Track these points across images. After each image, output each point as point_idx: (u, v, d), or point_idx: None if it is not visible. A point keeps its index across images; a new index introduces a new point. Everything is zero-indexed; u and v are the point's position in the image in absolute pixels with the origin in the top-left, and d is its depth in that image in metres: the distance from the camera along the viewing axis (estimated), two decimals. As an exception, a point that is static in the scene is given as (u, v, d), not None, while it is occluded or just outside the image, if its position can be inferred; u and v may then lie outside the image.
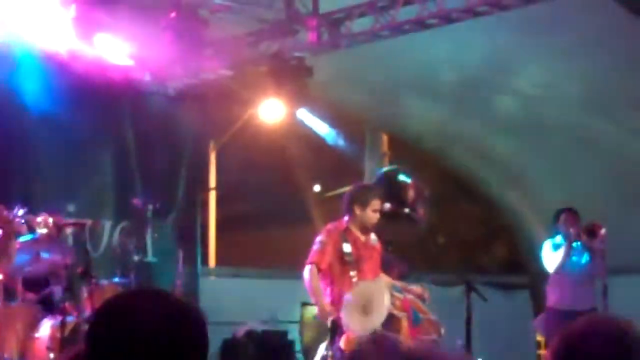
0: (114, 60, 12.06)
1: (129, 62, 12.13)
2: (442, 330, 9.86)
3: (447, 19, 11.07)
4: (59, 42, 11.53)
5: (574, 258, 11.44)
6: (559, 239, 11.46)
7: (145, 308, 2.81)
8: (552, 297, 11.68)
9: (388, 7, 11.42)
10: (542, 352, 12.13)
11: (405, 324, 9.62)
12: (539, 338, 12.32)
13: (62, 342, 10.38)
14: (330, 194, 12.27)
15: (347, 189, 10.87)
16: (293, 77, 12.16)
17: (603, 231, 11.22)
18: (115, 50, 11.77)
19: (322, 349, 10.08)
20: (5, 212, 9.44)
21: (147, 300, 2.89)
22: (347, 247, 9.81)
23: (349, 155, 14.00)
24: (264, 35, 12.29)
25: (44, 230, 10.62)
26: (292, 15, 11.83)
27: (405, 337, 9.62)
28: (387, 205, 10.19)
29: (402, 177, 11.27)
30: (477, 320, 10.11)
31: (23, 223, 10.20)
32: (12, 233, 9.62)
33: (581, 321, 3.34)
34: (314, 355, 10.30)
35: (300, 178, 14.09)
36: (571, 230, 11.32)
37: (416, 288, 10.16)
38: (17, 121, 11.72)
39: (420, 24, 11.25)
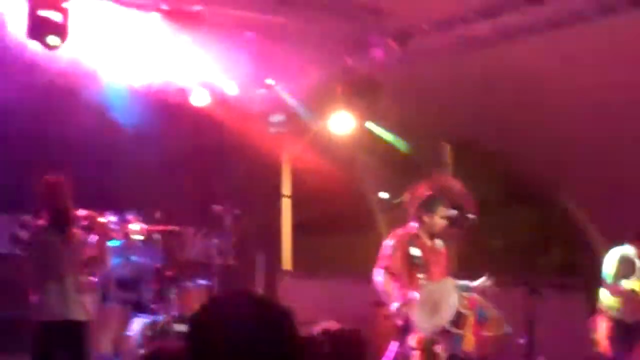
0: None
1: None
2: (506, 328, 10.08)
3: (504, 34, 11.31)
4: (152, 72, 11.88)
5: None
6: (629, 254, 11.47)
7: (243, 311, 2.85)
8: None
9: (452, 26, 11.67)
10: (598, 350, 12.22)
11: (471, 320, 9.80)
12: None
13: (151, 340, 10.73)
14: (396, 201, 12.37)
15: (412, 196, 11.19)
16: (363, 92, 12.29)
17: None
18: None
19: (394, 347, 10.31)
20: (99, 219, 9.72)
21: (244, 303, 2.93)
22: (415, 252, 9.96)
23: (415, 164, 14.07)
24: (336, 53, 12.33)
25: (135, 236, 10.95)
26: (362, 33, 11.97)
27: (469, 333, 9.86)
28: (453, 212, 10.35)
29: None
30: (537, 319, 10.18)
31: (116, 229, 10.52)
32: (106, 238, 9.89)
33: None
34: (384, 354, 10.61)
35: (368, 185, 14.24)
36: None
37: (482, 281, 10.36)
38: (112, 138, 12.04)
39: (483, 42, 11.50)
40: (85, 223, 9.64)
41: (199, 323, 2.91)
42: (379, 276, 9.87)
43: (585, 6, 10.57)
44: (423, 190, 10.81)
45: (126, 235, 10.75)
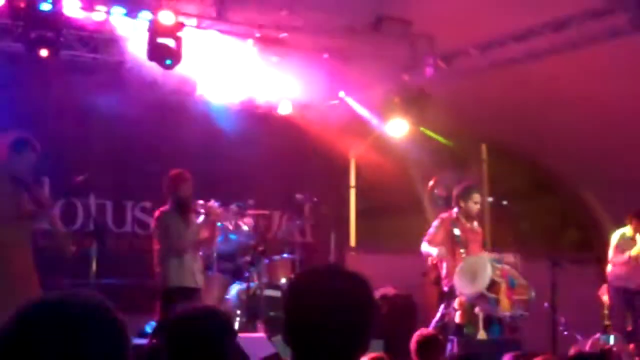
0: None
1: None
2: (532, 293, 10.20)
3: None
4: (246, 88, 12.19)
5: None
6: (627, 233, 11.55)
7: (328, 283, 2.79)
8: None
9: (489, 48, 11.83)
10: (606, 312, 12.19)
11: (504, 287, 9.93)
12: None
13: (247, 302, 10.85)
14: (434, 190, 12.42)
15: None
16: (416, 102, 12.29)
17: None
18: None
19: (441, 309, 10.55)
20: (211, 205, 9.99)
21: (330, 275, 2.88)
22: (457, 232, 10.27)
23: (457, 161, 14.19)
24: (395, 70, 12.40)
25: (235, 220, 11.18)
26: (416, 55, 12.08)
27: (503, 297, 10.04)
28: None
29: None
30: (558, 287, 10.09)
31: (224, 214, 10.80)
32: (216, 221, 10.16)
33: None
34: (434, 314, 10.83)
35: (418, 178, 14.30)
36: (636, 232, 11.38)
37: (508, 256, 10.55)
38: (216, 142, 12.26)
39: (515, 61, 11.63)
40: (202, 210, 10.03)
41: (294, 290, 2.92)
42: (424, 246, 10.22)
43: (599, 31, 10.71)
44: (460, 182, 11.06)
45: (229, 219, 10.93)
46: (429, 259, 10.74)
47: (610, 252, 11.74)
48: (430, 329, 8.75)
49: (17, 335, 1.90)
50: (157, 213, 9.73)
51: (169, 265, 9.45)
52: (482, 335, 9.82)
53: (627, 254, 11.47)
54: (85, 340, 1.89)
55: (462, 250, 10.19)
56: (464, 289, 9.92)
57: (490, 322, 9.99)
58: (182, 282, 9.47)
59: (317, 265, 3.33)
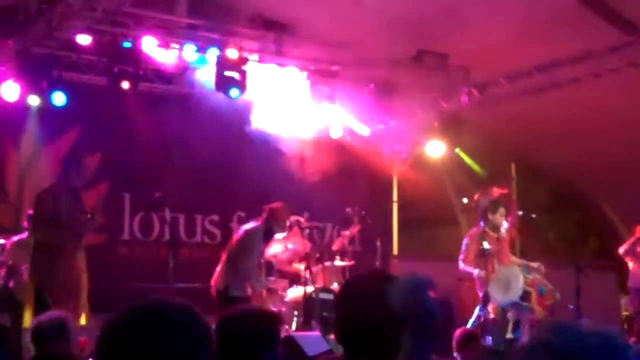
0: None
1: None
2: (558, 296, 10.26)
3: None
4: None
5: None
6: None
7: (374, 286, 2.79)
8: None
9: (517, 78, 11.98)
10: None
11: (534, 295, 10.05)
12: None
13: (303, 304, 10.78)
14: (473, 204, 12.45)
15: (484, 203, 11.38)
16: (452, 126, 12.46)
17: None
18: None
19: (476, 311, 10.65)
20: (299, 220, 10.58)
21: (375, 279, 2.90)
22: (486, 245, 10.30)
23: (489, 178, 14.19)
24: (434, 98, 12.68)
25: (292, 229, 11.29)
26: (453, 84, 12.28)
27: (535, 304, 10.14)
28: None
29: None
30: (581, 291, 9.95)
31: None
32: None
33: None
34: (469, 315, 10.94)
35: (453, 194, 14.37)
36: None
37: (534, 264, 10.63)
38: (275, 164, 12.39)
39: (540, 89, 11.78)
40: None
41: (344, 294, 2.96)
42: (461, 263, 10.34)
43: (616, 61, 10.84)
44: (487, 196, 11.11)
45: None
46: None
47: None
48: (466, 328, 8.86)
49: (126, 333, 1.97)
50: (250, 228, 9.97)
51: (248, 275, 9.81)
52: (509, 334, 9.91)
53: None
54: (180, 339, 1.96)
55: (495, 261, 10.27)
56: (498, 297, 9.99)
57: (517, 325, 10.09)
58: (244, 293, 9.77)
59: (364, 272, 3.32)
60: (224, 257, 9.91)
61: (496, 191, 10.94)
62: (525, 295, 9.91)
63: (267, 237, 10.00)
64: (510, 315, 10.08)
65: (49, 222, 8.62)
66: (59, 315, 5.36)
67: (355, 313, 2.79)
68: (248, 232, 9.91)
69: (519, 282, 9.88)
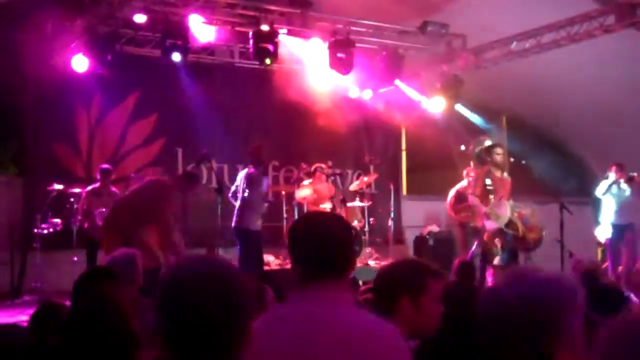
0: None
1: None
2: (544, 233, 10.22)
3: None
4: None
5: (620, 192, 11.25)
6: (609, 178, 11.35)
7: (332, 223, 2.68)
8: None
9: (509, 43, 11.85)
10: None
11: (520, 224, 10.07)
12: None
13: None
14: (469, 150, 12.35)
15: (480, 147, 11.30)
16: (452, 86, 12.37)
17: (638, 178, 11.09)
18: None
19: (475, 243, 10.67)
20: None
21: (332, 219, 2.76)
22: (488, 181, 10.24)
23: (483, 129, 14.12)
24: (436, 63, 12.51)
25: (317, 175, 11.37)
26: (452, 50, 12.17)
27: (522, 231, 10.13)
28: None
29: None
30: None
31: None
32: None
33: None
34: (470, 246, 10.90)
35: (452, 142, 14.29)
36: (616, 175, 11.24)
37: (527, 208, 10.57)
38: (305, 118, 12.42)
39: (528, 52, 11.67)
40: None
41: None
42: (472, 198, 10.29)
43: (593, 29, 10.71)
44: (482, 142, 11.03)
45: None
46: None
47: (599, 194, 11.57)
48: (462, 258, 8.84)
49: (174, 286, 1.93)
50: (251, 172, 10.08)
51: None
52: (497, 261, 9.88)
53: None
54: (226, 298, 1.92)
55: (491, 197, 10.22)
56: (489, 224, 10.02)
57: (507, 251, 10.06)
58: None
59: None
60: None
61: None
62: (510, 224, 9.86)
63: (264, 173, 10.06)
64: (497, 241, 10.03)
65: None
66: (130, 253, 5.34)
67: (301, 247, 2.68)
68: (250, 175, 9.95)
69: (506, 212, 9.87)
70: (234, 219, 9.80)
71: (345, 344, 2.40)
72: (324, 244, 2.56)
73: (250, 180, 9.88)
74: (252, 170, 9.95)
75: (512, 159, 10.70)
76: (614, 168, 11.29)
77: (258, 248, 9.84)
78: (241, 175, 10.18)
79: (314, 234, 2.61)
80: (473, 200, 10.14)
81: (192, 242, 9.53)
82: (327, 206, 11.16)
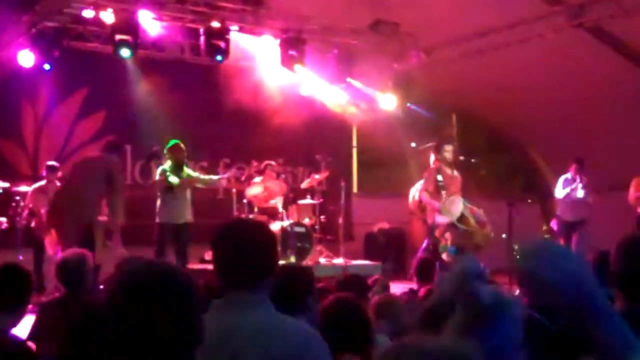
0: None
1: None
2: (492, 234, 10.14)
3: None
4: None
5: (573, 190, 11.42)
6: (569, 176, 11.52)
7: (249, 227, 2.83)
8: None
9: (459, 42, 11.98)
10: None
11: (471, 220, 10.18)
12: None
13: (281, 236, 10.52)
14: (420, 148, 12.48)
15: (429, 145, 11.45)
16: (403, 83, 12.50)
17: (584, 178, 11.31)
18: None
19: (426, 241, 10.75)
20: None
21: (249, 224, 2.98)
22: (440, 178, 10.30)
23: (433, 125, 14.22)
24: (388, 60, 12.54)
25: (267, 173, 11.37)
26: (404, 48, 12.23)
27: (473, 226, 10.24)
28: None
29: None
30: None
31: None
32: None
33: None
34: (419, 242, 11.02)
35: (403, 139, 14.38)
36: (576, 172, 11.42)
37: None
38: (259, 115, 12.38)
39: (477, 52, 11.77)
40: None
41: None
42: (424, 194, 10.36)
43: (542, 28, 10.90)
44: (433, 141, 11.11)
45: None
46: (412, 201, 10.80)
47: (557, 192, 11.72)
48: (423, 254, 8.88)
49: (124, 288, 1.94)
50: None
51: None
52: (445, 256, 9.84)
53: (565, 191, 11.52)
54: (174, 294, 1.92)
55: (443, 192, 10.31)
56: (441, 219, 10.13)
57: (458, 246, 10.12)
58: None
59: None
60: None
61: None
62: (462, 219, 9.99)
63: (178, 169, 9.90)
64: (447, 235, 10.13)
65: None
66: (81, 253, 5.32)
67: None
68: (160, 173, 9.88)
69: (458, 207, 9.98)
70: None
71: (261, 349, 2.51)
72: (241, 252, 2.64)
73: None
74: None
75: (461, 157, 10.75)
76: (574, 165, 11.47)
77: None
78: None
79: (232, 243, 2.68)
80: (424, 197, 10.22)
81: (136, 240, 9.41)
82: (277, 204, 11.14)
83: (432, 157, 10.39)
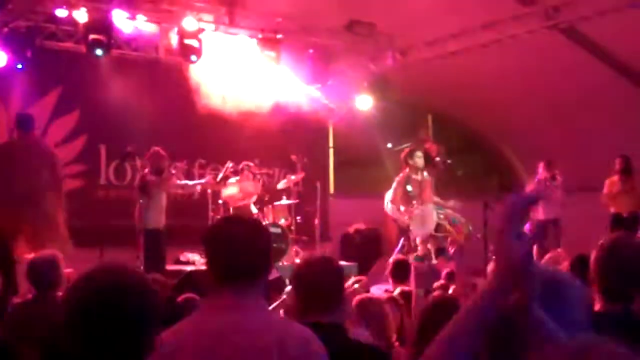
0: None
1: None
2: (470, 227, 10.48)
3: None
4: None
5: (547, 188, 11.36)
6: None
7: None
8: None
9: (435, 44, 12.04)
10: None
11: (448, 226, 10.25)
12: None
13: None
14: (396, 149, 12.39)
15: (404, 146, 11.50)
16: (379, 84, 12.53)
17: (559, 177, 11.48)
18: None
19: (401, 241, 10.83)
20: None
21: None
22: (409, 187, 10.40)
23: (408, 126, 14.23)
24: (364, 61, 12.68)
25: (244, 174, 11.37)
26: (380, 49, 12.35)
27: (450, 232, 10.28)
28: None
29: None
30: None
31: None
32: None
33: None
34: (395, 245, 11.09)
35: (379, 139, 14.44)
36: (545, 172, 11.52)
37: (449, 202, 10.78)
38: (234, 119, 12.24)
39: (453, 54, 11.85)
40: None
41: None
42: (388, 207, 10.41)
43: (517, 29, 10.98)
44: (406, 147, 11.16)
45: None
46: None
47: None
48: (398, 256, 8.91)
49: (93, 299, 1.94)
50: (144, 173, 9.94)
51: None
52: (434, 261, 9.99)
53: None
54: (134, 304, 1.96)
55: (414, 202, 10.34)
56: (418, 231, 10.18)
57: (442, 251, 10.23)
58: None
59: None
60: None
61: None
62: (439, 228, 10.04)
63: (158, 173, 9.79)
64: (430, 245, 10.21)
65: None
66: (51, 255, 5.30)
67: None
68: (142, 177, 9.79)
69: (433, 218, 10.04)
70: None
71: (255, 350, 2.47)
72: (236, 250, 2.58)
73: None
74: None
75: (437, 158, 10.82)
76: (542, 165, 11.57)
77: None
78: None
79: (227, 241, 2.62)
80: (391, 210, 10.28)
81: (112, 241, 9.34)
82: (253, 204, 11.13)
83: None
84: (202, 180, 10.63)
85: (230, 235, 2.63)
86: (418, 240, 10.24)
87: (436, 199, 10.75)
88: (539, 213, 11.53)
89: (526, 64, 12.07)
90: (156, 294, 2.04)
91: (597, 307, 2.95)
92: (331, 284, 3.24)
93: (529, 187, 11.68)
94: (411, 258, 9.65)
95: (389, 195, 10.67)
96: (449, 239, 10.05)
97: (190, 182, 10.53)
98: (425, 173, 10.59)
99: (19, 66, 10.40)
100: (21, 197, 8.42)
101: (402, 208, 10.30)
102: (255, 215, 10.95)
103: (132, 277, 2.01)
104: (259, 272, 2.64)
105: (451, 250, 9.95)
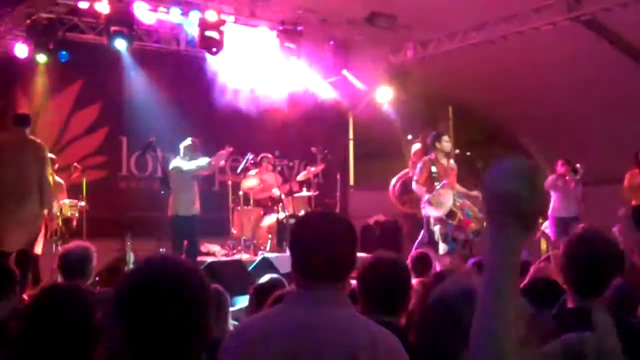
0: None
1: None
2: (485, 224, 10.36)
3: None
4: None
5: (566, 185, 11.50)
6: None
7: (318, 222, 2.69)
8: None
9: (455, 36, 12.01)
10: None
11: (460, 215, 10.19)
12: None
13: (277, 229, 10.82)
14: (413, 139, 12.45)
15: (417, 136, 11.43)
16: (399, 76, 12.61)
17: (581, 170, 11.47)
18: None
19: (422, 233, 10.75)
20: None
21: (321, 217, 2.79)
22: (434, 169, 10.32)
23: (430, 118, 14.18)
24: (384, 53, 12.72)
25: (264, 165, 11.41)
26: (400, 41, 12.36)
27: (460, 223, 10.25)
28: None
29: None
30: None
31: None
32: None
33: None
34: (415, 235, 10.92)
35: (400, 132, 14.43)
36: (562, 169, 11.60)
37: (473, 192, 10.74)
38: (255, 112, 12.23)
39: (474, 45, 11.84)
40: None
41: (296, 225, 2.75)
42: (415, 185, 10.37)
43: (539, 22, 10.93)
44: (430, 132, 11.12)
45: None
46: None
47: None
48: (420, 250, 8.87)
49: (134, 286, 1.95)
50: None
51: None
52: (442, 248, 9.92)
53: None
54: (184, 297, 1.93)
55: (436, 184, 10.31)
56: (432, 212, 10.15)
57: (446, 237, 10.17)
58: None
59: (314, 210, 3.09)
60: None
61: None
62: (451, 214, 10.01)
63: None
64: (437, 228, 10.16)
65: None
66: (85, 246, 5.36)
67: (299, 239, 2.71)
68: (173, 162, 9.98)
69: (449, 202, 9.98)
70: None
71: (343, 348, 2.44)
72: (325, 246, 2.57)
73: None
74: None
75: (457, 150, 10.78)
76: (560, 162, 11.55)
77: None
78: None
79: (315, 236, 2.61)
80: (416, 188, 10.24)
81: (135, 232, 9.42)
82: (273, 197, 11.17)
83: (416, 147, 10.36)
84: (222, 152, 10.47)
85: (332, 232, 2.61)
86: (433, 224, 10.10)
87: (461, 188, 10.67)
88: (561, 211, 11.53)
89: (548, 55, 11.96)
90: (208, 280, 2.03)
91: (569, 304, 2.97)
92: (400, 286, 3.33)
93: (548, 181, 11.57)
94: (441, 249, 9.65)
95: (395, 179, 10.54)
96: (454, 227, 9.96)
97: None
98: (452, 161, 10.50)
99: (41, 58, 10.47)
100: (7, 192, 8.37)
101: (425, 194, 10.23)
102: (277, 207, 10.99)
103: (184, 264, 2.03)
104: (349, 271, 2.65)
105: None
